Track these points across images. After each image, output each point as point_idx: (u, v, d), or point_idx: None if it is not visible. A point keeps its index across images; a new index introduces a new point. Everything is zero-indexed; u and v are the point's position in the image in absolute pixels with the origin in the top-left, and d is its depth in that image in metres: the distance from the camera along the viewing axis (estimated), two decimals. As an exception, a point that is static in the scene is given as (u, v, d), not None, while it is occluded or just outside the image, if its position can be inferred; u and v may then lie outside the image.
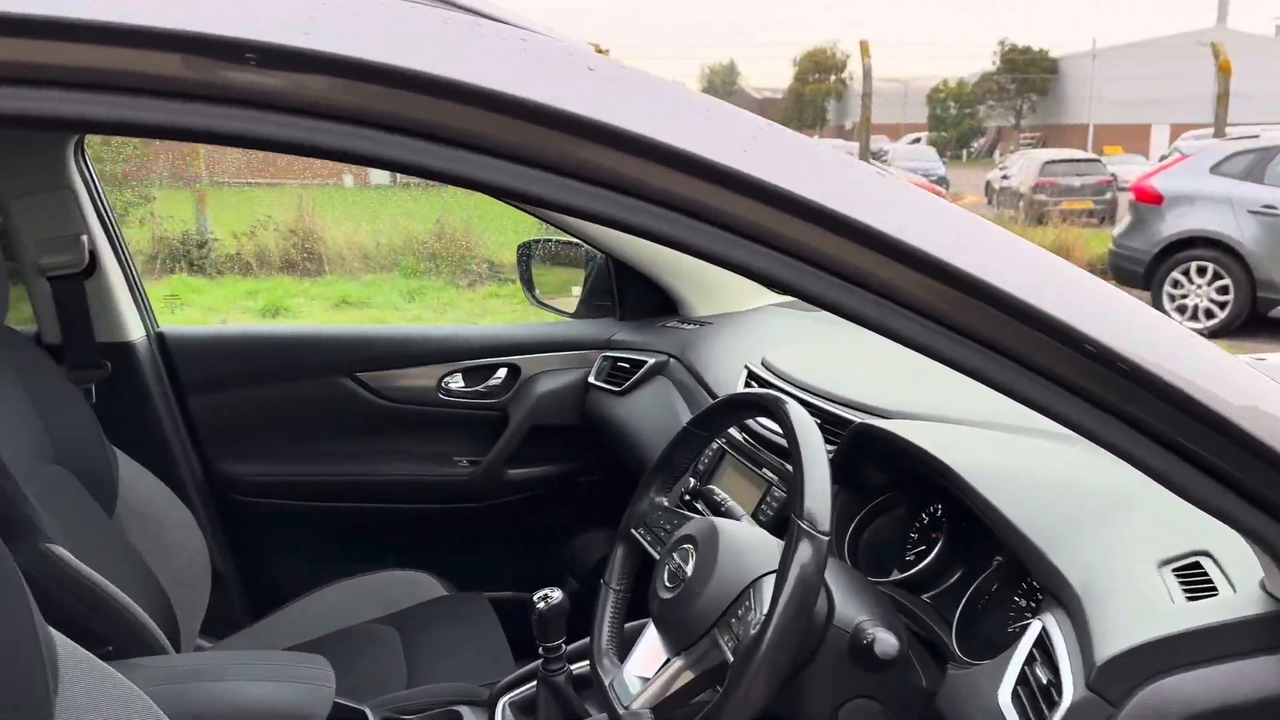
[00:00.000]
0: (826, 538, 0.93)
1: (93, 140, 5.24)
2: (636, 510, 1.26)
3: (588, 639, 1.49)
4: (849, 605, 1.02)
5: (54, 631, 1.16)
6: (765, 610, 0.94)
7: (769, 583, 0.98)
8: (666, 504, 1.25)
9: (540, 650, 1.49)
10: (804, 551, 0.91)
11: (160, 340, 2.12)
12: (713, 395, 1.74)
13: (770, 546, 1.05)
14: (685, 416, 1.82)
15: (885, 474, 1.23)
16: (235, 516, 2.18)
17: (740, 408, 1.22)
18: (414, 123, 0.60)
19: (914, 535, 1.24)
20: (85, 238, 1.94)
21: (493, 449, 2.24)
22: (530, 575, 2.33)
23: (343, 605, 2.06)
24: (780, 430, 1.11)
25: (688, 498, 1.47)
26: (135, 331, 2.06)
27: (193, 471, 2.12)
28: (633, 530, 1.26)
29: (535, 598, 1.48)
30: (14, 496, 1.43)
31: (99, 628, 1.47)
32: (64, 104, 0.60)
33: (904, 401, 1.33)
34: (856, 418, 1.30)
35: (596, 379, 2.18)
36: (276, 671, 1.43)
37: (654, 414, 1.94)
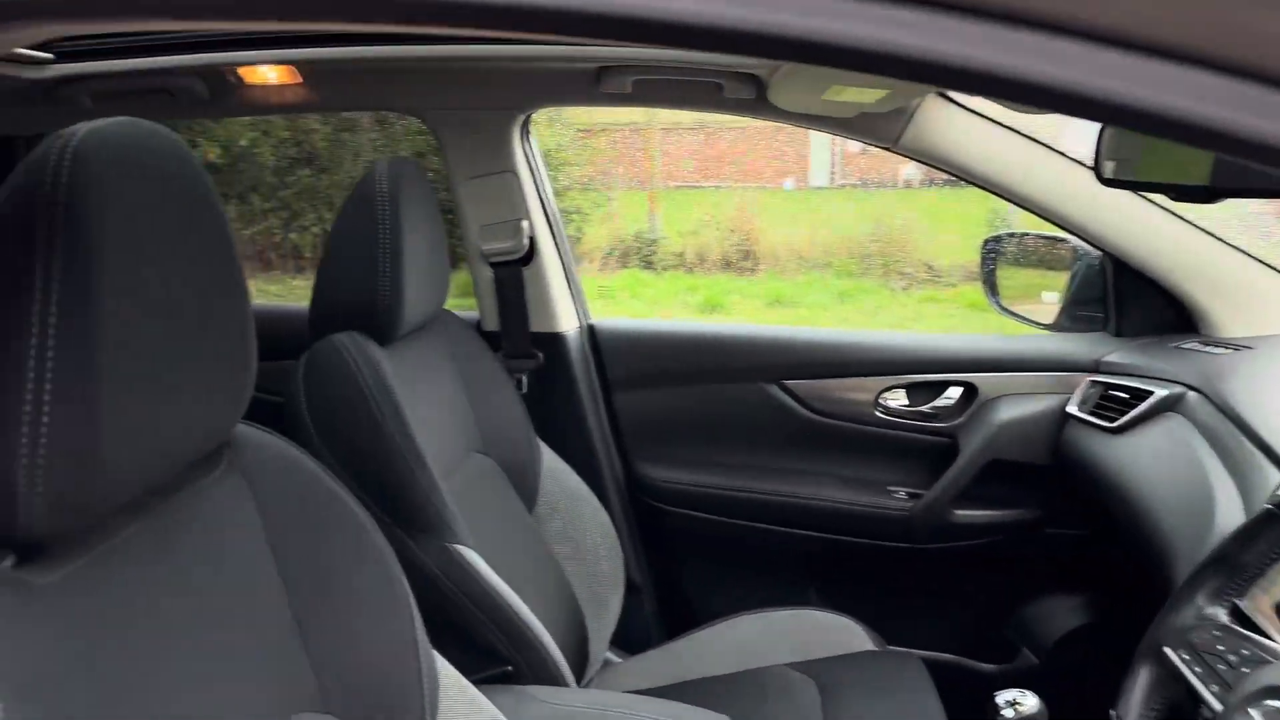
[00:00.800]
0: None
1: (562, 143, 5.56)
2: (1175, 621, 0.87)
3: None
4: None
5: (436, 656, 1.04)
6: None
7: None
8: (1225, 620, 0.85)
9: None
10: None
11: (591, 333, 2.03)
12: (1264, 448, 1.26)
13: None
14: (1216, 472, 1.35)
15: None
16: (651, 524, 2.04)
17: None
18: None
19: None
20: (526, 224, 1.89)
21: (938, 483, 1.90)
22: (973, 639, 1.96)
23: (758, 640, 1.83)
24: None
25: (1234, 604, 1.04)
26: (568, 322, 1.99)
27: (614, 472, 2.02)
28: (1167, 650, 0.87)
29: (1000, 700, 1.14)
30: (428, 491, 1.36)
31: (498, 644, 1.36)
32: None
33: None
34: None
35: (1080, 409, 1.75)
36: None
37: (1164, 462, 1.49)
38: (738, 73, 1.63)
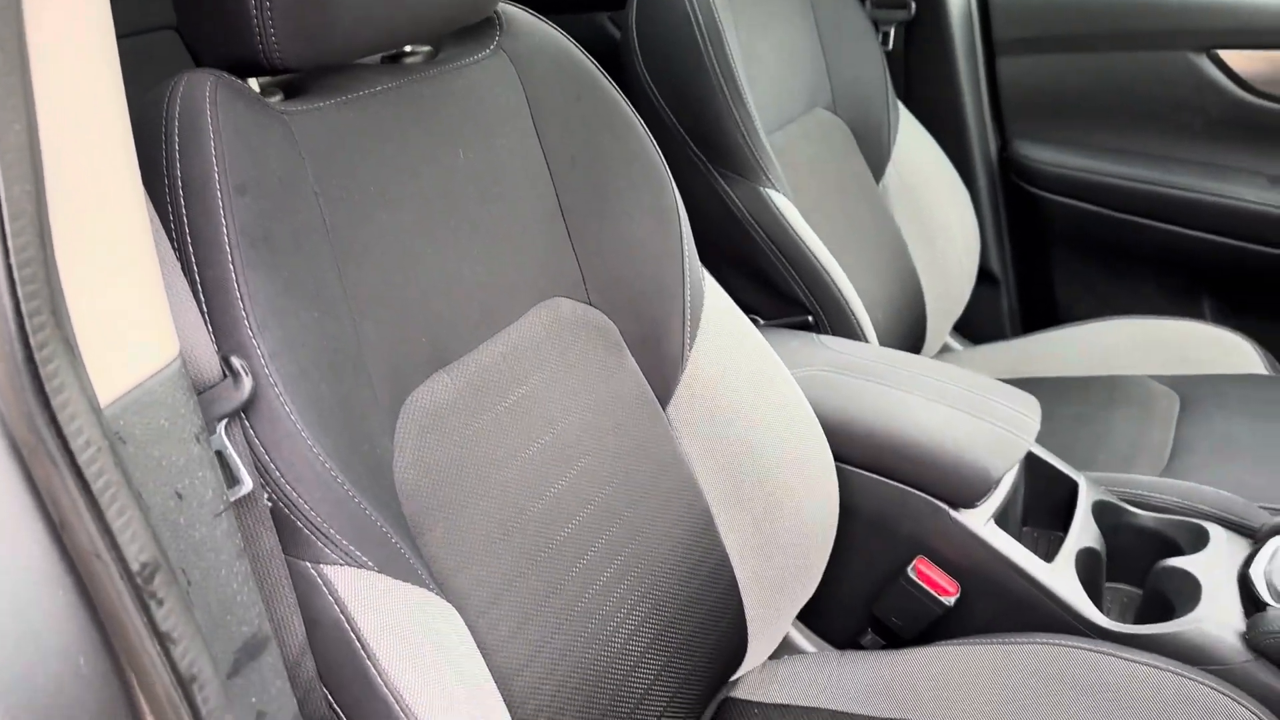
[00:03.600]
0: None
1: None
2: None
3: None
4: None
5: (711, 282, 1.03)
6: None
7: None
8: None
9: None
10: None
11: (982, -17, 1.77)
12: None
13: None
14: None
15: None
16: (1021, 210, 1.84)
17: None
18: None
19: None
20: None
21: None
22: None
23: (1123, 346, 1.64)
24: None
25: None
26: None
27: (985, 150, 1.81)
28: None
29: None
30: (745, 132, 1.31)
31: (800, 293, 1.33)
32: None
33: None
34: None
35: None
36: (968, 400, 1.13)
37: None
38: None
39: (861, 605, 1.11)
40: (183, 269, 0.60)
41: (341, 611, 0.61)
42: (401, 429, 0.74)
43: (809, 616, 1.13)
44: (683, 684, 0.92)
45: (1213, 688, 0.91)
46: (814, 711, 1.00)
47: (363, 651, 0.60)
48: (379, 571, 0.63)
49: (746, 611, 0.99)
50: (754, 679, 1.05)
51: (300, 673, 0.59)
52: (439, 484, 0.75)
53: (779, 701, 1.03)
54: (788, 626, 1.10)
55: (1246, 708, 0.90)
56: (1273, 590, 0.99)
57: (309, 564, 0.60)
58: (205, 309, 0.60)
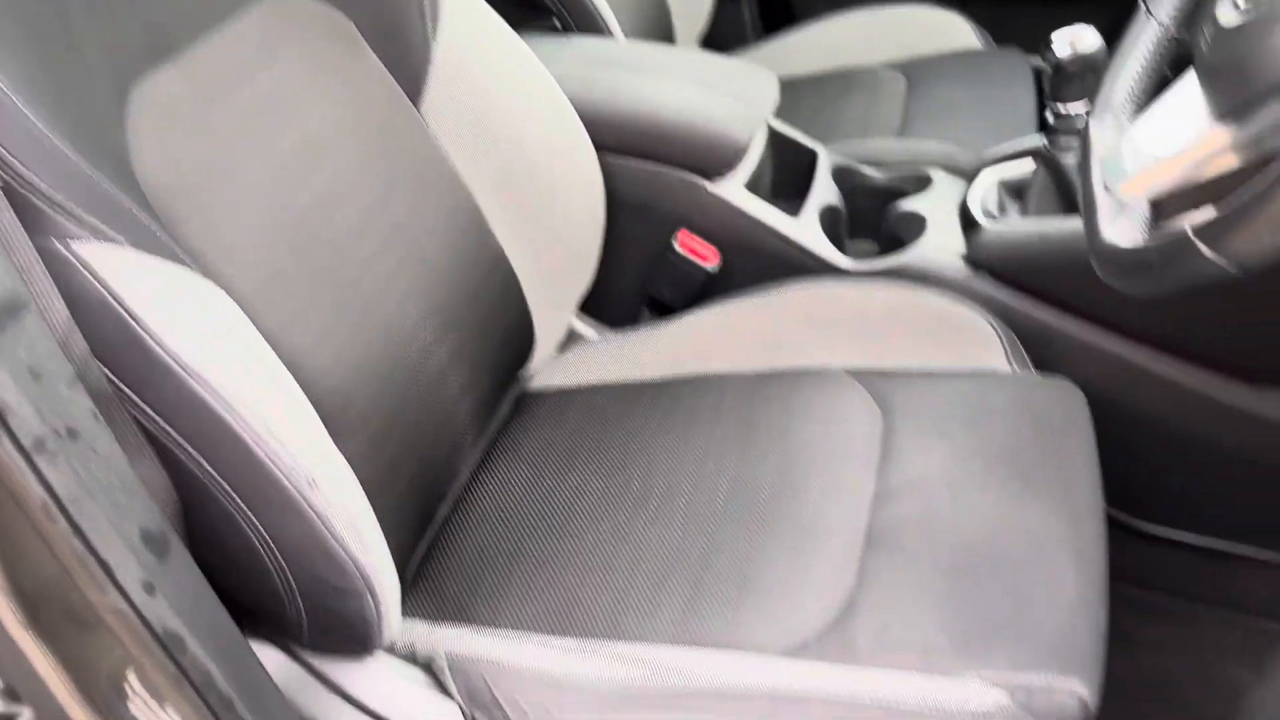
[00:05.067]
0: None
1: None
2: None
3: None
4: None
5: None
6: None
7: None
8: None
9: (1049, 115, 1.07)
10: None
11: None
12: None
13: None
14: None
15: None
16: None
17: None
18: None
19: None
20: None
21: None
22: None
23: (855, 40, 1.73)
24: None
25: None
26: None
27: None
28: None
29: (1054, 37, 1.03)
30: None
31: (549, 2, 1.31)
32: None
33: None
34: None
35: None
36: (711, 79, 1.18)
37: None
38: None
39: (635, 287, 1.17)
40: None
41: (103, 287, 0.59)
42: (133, 121, 0.70)
43: (590, 307, 1.18)
44: (476, 368, 0.96)
45: (944, 296, 1.04)
46: (601, 388, 1.07)
47: (133, 323, 0.59)
48: (134, 248, 0.61)
49: (529, 302, 1.03)
50: (545, 371, 1.11)
51: (71, 350, 0.58)
52: (186, 178, 0.72)
53: (568, 385, 1.09)
54: (571, 317, 1.15)
55: (971, 309, 1.03)
56: (985, 212, 1.12)
57: (55, 241, 0.58)
58: None
